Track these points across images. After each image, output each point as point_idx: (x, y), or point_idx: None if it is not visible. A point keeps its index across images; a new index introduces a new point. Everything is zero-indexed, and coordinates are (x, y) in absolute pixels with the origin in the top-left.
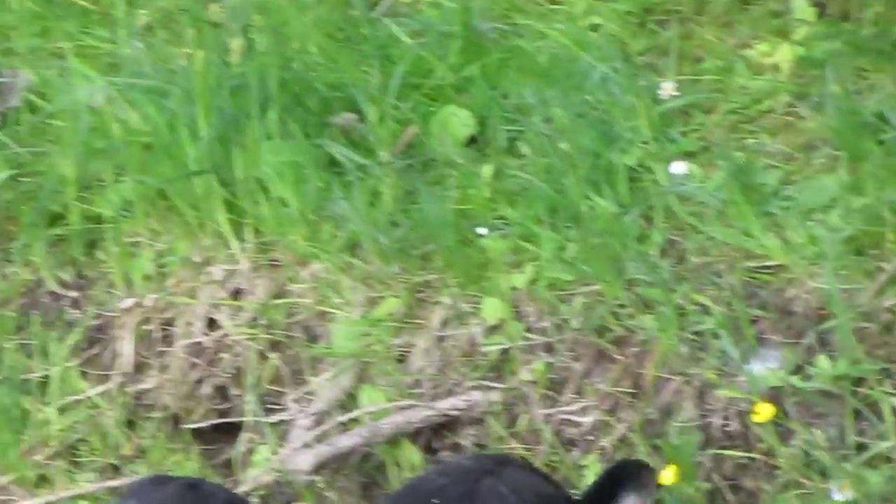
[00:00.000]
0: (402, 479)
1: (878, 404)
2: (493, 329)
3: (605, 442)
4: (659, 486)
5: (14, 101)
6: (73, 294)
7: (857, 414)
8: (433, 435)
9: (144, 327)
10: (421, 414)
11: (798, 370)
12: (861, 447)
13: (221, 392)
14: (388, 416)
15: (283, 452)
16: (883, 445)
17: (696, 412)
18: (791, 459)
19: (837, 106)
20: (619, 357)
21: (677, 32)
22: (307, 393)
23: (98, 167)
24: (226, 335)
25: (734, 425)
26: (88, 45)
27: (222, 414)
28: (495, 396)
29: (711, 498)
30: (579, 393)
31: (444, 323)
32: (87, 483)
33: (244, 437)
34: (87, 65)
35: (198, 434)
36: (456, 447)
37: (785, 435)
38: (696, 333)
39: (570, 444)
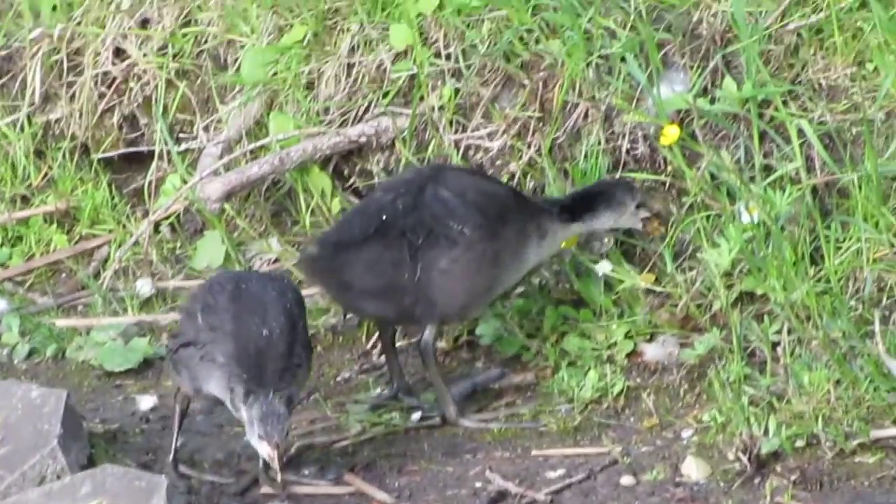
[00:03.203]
0: (311, 206)
1: (784, 126)
2: (401, 55)
3: (514, 166)
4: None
5: None
6: None
7: (763, 136)
8: (342, 161)
9: (53, 58)
10: (330, 141)
11: (705, 92)
12: (767, 169)
13: (130, 121)
14: (296, 143)
15: (193, 181)
16: (789, 167)
17: (603, 136)
18: (698, 182)
19: None
20: (526, 82)
21: None
22: (216, 121)
23: None
24: (134, 64)
25: (641, 149)
26: None
27: (131, 143)
28: (404, 122)
29: None
30: (487, 118)
31: (353, 50)
32: None
33: (153, 166)
34: None
35: (107, 164)
36: (365, 173)
37: (692, 158)
38: (603, 58)
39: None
